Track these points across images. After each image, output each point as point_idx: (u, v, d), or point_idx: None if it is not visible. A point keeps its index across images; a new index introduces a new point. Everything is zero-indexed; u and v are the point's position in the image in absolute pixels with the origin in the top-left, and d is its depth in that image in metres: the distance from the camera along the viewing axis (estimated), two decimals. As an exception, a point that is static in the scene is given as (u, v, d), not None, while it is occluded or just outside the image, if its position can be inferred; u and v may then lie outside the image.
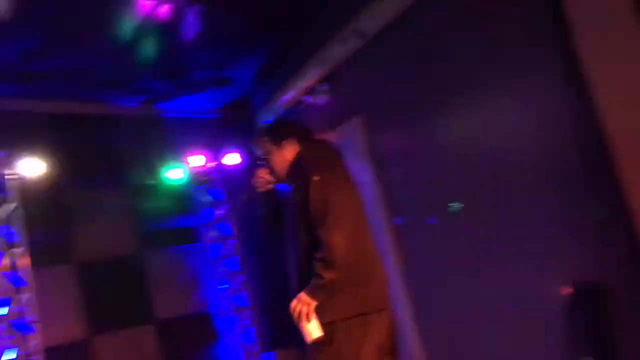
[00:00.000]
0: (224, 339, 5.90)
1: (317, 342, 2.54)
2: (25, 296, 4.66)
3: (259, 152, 3.07)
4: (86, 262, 5.35)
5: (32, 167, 4.85)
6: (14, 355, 4.48)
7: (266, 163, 3.01)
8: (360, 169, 4.94)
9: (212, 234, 6.11)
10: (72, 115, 5.54)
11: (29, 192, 4.89)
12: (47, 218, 5.15)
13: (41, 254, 4.89)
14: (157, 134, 5.97)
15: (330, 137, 5.12)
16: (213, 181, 6.15)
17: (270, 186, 3.00)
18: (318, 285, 2.53)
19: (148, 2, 4.22)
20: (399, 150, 4.63)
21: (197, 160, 5.94)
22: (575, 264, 3.29)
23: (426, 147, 4.34)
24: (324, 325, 2.55)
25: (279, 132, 3.00)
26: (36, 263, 4.80)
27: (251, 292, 5.95)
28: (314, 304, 2.54)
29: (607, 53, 3.02)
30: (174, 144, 5.92)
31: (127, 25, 4.40)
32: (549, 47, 3.30)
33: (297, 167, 2.80)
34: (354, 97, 4.95)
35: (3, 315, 4.56)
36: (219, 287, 6.00)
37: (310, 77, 5.24)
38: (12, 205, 4.77)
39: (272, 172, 2.98)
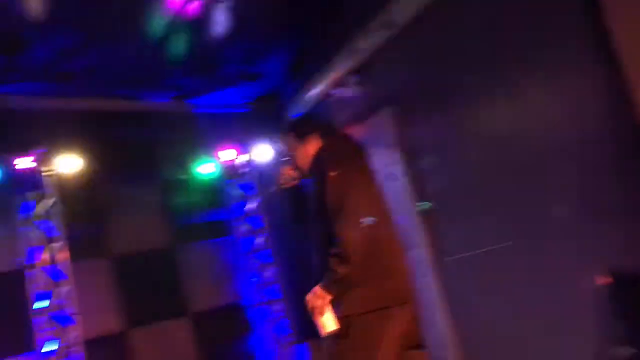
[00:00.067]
0: (257, 330, 5.96)
1: (333, 336, 2.56)
2: (64, 289, 4.79)
3: (284, 148, 3.09)
4: (122, 256, 5.48)
5: (69, 163, 4.97)
6: (55, 347, 4.61)
7: (290, 159, 3.04)
8: (390, 160, 4.94)
9: (244, 227, 6.17)
10: (107, 112, 5.64)
11: (66, 188, 5.03)
12: (84, 213, 5.27)
13: (79, 248, 5.02)
14: (188, 130, 6.03)
15: (360, 129, 5.15)
16: (244, 175, 6.20)
17: (295, 182, 3.03)
18: (332, 279, 2.54)
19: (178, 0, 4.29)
20: (429, 141, 4.61)
21: (228, 155, 6.01)
22: (614, 253, 3.25)
23: (458, 137, 4.31)
24: (341, 318, 2.56)
25: (302, 128, 3.02)
26: (74, 257, 4.93)
27: (283, 284, 6.00)
28: (328, 298, 2.55)
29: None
30: (205, 139, 5.99)
31: (158, 22, 4.46)
32: (582, 31, 3.26)
33: (317, 162, 2.82)
34: (383, 88, 4.93)
35: (44, 307, 4.69)
36: (251, 279, 6.05)
37: (339, 69, 5.24)
38: (51, 201, 4.89)
39: (296, 167, 3.00)
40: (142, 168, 5.80)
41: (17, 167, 4.78)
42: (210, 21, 4.61)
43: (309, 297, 2.59)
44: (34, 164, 4.84)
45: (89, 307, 4.93)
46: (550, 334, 3.65)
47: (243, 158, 6.11)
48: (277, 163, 5.59)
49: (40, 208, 4.88)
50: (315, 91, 5.58)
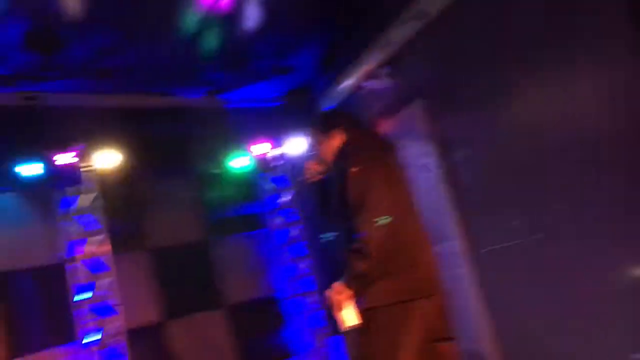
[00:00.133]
0: (292, 323, 6.02)
1: (353, 330, 2.58)
2: (106, 281, 4.91)
3: (311, 141, 3.11)
4: (159, 250, 5.58)
5: (107, 159, 5.08)
6: (97, 337, 4.74)
7: (316, 153, 3.05)
8: (423, 152, 4.93)
9: (278, 220, 6.22)
10: (143, 109, 5.74)
11: (105, 183, 5.14)
12: (122, 207, 5.38)
13: (118, 241, 5.13)
14: (221, 124, 6.10)
15: (391, 121, 5.14)
16: (277, 168, 6.25)
17: (320, 176, 3.04)
18: (352, 275, 2.57)
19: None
20: (462, 132, 4.58)
21: (261, 149, 6.06)
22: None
23: (491, 128, 4.27)
24: (364, 311, 2.58)
25: (326, 122, 3.04)
26: (115, 250, 5.05)
27: (318, 276, 6.04)
28: (347, 293, 2.57)
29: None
30: (238, 133, 6.04)
31: (191, 19, 4.53)
32: (616, 23, 3.20)
33: (340, 157, 2.84)
34: (415, 80, 4.91)
35: (85, 299, 4.82)
36: (285, 272, 6.11)
37: (370, 61, 5.23)
38: (91, 196, 5.01)
39: (321, 161, 3.02)
40: (177, 163, 5.89)
41: (57, 163, 4.88)
42: (242, 16, 4.66)
43: (329, 292, 2.63)
44: (74, 160, 4.94)
45: (128, 298, 5.05)
46: (588, 328, 3.61)
47: (276, 151, 6.15)
48: (305, 157, 5.62)
49: (83, 202, 5.00)
50: (347, 84, 5.59)
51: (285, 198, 6.24)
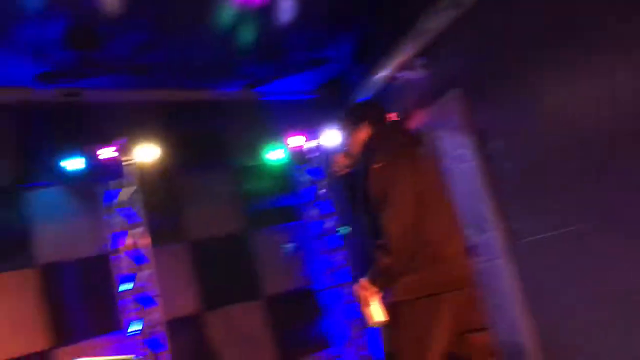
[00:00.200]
0: (328, 314, 6.05)
1: (381, 325, 2.59)
2: (146, 272, 5.03)
3: (339, 135, 3.10)
4: (197, 242, 5.67)
5: (147, 153, 5.19)
6: (140, 327, 4.86)
7: (343, 146, 3.05)
8: (459, 143, 4.88)
9: (314, 212, 6.25)
10: (181, 103, 5.84)
11: (146, 177, 5.26)
12: (162, 200, 5.51)
13: (159, 234, 5.25)
14: (257, 117, 6.16)
15: (427, 112, 5.11)
16: (312, 160, 6.27)
17: (348, 169, 3.04)
18: (376, 271, 2.57)
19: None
20: (499, 122, 4.51)
21: (297, 141, 6.09)
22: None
23: (529, 117, 4.21)
24: (390, 305, 2.59)
25: (354, 116, 3.02)
26: (155, 242, 5.16)
27: (353, 268, 6.05)
28: (373, 289, 2.58)
29: None
30: (274, 126, 6.09)
31: (226, 13, 4.57)
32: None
33: (364, 152, 2.84)
34: (450, 70, 4.86)
35: (128, 289, 4.95)
36: (321, 263, 6.14)
37: (405, 52, 5.20)
38: (132, 189, 5.13)
39: (348, 155, 3.02)
40: (214, 156, 5.98)
41: (99, 157, 5.01)
42: (276, 9, 4.68)
43: (355, 288, 2.64)
44: (115, 154, 5.06)
45: (169, 289, 5.16)
46: (634, 323, 3.53)
47: (311, 144, 6.18)
48: (335, 149, 5.64)
49: (123, 195, 5.12)
50: (381, 75, 5.57)
51: (321, 190, 6.27)
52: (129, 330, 4.88)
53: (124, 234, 5.06)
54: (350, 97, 6.05)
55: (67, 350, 4.71)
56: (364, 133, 2.91)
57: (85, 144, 5.00)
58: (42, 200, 5.04)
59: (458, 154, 4.90)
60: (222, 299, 5.62)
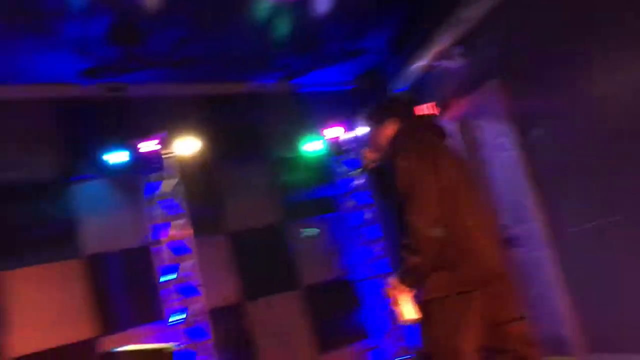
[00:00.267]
0: (367, 304, 6.06)
1: (413, 323, 2.59)
2: (189, 263, 5.13)
3: (366, 130, 3.08)
4: (236, 233, 5.74)
5: (188, 145, 5.27)
6: (182, 316, 4.96)
7: (370, 141, 3.05)
8: (499, 131, 4.82)
9: (351, 203, 6.25)
10: (219, 96, 5.90)
11: (186, 169, 5.35)
12: (203, 192, 5.59)
13: (199, 225, 5.33)
14: (295, 109, 6.19)
15: (465, 101, 5.06)
16: (349, 151, 6.27)
17: (375, 164, 3.03)
18: (404, 270, 2.55)
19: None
20: (541, 110, 4.44)
21: (334, 132, 6.08)
22: None
23: (572, 105, 4.13)
24: (420, 304, 2.57)
25: (380, 111, 3.01)
26: (196, 233, 5.25)
27: (392, 259, 6.05)
28: (402, 288, 2.57)
29: None
30: (311, 117, 6.11)
31: (263, 5, 4.59)
32: None
33: (390, 148, 2.83)
34: (489, 58, 4.80)
35: (170, 280, 5.06)
36: (359, 254, 6.15)
37: (443, 41, 5.16)
38: (173, 182, 5.23)
39: (376, 150, 3.01)
40: (252, 148, 6.02)
41: (141, 150, 5.10)
42: (312, 0, 4.69)
43: (386, 287, 2.64)
44: (156, 147, 5.14)
45: (210, 279, 5.25)
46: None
47: (348, 135, 6.17)
48: (363, 143, 5.61)
49: (165, 187, 5.22)
50: (419, 65, 5.53)
51: (358, 181, 6.26)
52: (171, 319, 4.97)
53: (165, 225, 5.16)
54: (387, 88, 6.03)
55: (112, 339, 4.82)
56: (390, 129, 2.90)
57: (127, 137, 5.09)
58: (87, 193, 5.16)
59: (498, 143, 4.84)
60: (261, 289, 5.69)
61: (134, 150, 5.09)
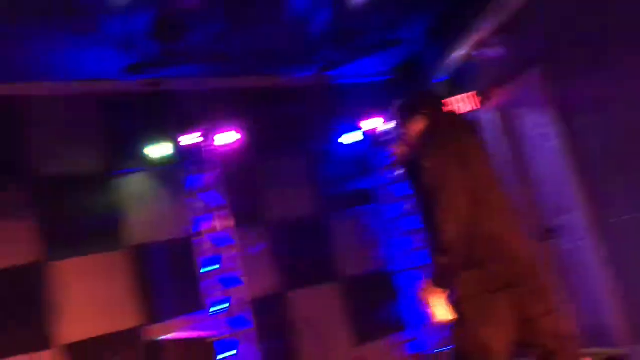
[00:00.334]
0: (405, 296, 6.06)
1: (446, 323, 2.57)
2: (230, 253, 5.21)
3: (396, 125, 3.06)
4: (276, 224, 5.80)
5: (227, 138, 5.33)
6: (226, 306, 5.06)
7: (400, 136, 3.03)
8: (541, 121, 4.75)
9: (389, 194, 6.24)
10: (257, 89, 5.95)
11: (226, 161, 5.42)
12: (243, 184, 5.66)
13: (240, 216, 5.41)
14: (331, 101, 6.19)
15: (505, 91, 4.99)
16: (387, 143, 6.25)
17: (406, 158, 3.01)
18: (434, 271, 2.53)
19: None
20: (584, 98, 4.36)
21: (371, 124, 6.07)
22: None
23: (616, 93, 4.04)
24: (452, 304, 2.55)
25: (409, 107, 2.97)
26: (237, 224, 5.34)
27: (431, 250, 6.00)
28: (433, 289, 2.54)
29: None
30: (348, 109, 6.10)
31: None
32: None
33: (418, 145, 2.81)
34: (531, 46, 4.73)
35: (212, 270, 5.15)
36: (398, 245, 6.13)
37: (482, 30, 5.09)
38: (215, 173, 5.31)
39: (406, 145, 2.99)
40: (291, 140, 6.04)
41: (182, 144, 5.18)
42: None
43: (419, 289, 2.63)
44: (197, 140, 5.22)
45: (251, 270, 5.32)
46: None
47: (386, 126, 6.15)
48: (394, 138, 5.58)
49: (205, 180, 5.31)
50: (458, 54, 5.47)
51: (397, 172, 6.24)
52: (212, 309, 5.06)
53: (206, 216, 5.25)
54: (425, 78, 5.98)
55: (155, 328, 4.94)
56: (418, 125, 2.88)
57: (169, 131, 5.18)
58: (130, 186, 5.28)
59: (540, 133, 4.77)
60: (300, 280, 5.73)
61: (175, 144, 5.17)
